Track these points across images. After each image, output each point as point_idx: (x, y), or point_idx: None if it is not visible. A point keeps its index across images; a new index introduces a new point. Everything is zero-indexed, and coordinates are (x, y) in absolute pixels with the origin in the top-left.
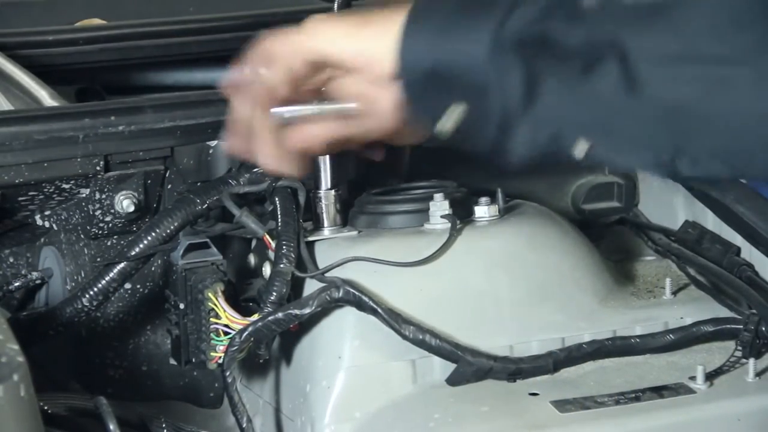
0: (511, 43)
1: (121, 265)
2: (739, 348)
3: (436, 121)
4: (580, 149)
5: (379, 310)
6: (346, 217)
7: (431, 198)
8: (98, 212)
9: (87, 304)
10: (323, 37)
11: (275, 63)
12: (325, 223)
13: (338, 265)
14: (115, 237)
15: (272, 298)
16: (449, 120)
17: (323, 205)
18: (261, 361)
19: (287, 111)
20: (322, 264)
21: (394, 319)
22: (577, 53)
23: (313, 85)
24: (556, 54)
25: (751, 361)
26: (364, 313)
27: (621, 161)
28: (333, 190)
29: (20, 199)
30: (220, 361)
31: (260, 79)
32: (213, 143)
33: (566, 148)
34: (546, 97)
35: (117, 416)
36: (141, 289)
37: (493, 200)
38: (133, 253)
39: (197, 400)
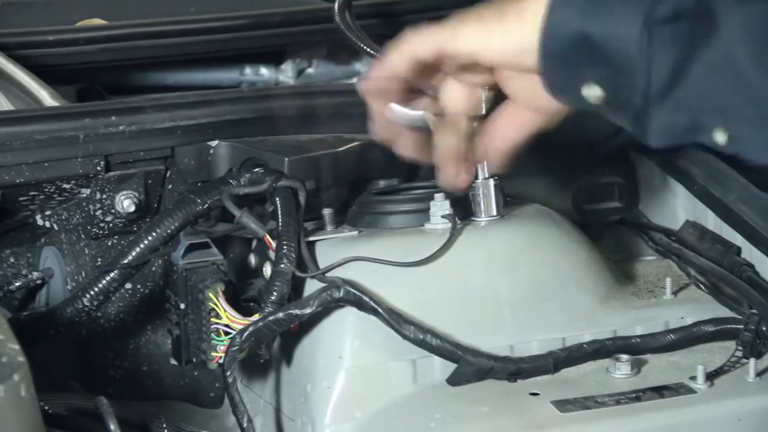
0: (665, 18)
1: None
2: (740, 348)
3: (576, 95)
4: (720, 137)
5: (380, 310)
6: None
7: (432, 198)
8: (99, 212)
9: (88, 304)
10: (466, 35)
11: (415, 59)
12: (482, 214)
13: (339, 265)
14: (116, 237)
15: (273, 298)
16: (590, 94)
17: (481, 194)
18: (261, 361)
19: (402, 113)
20: (322, 264)
21: (395, 319)
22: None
23: (473, 80)
24: (710, 30)
25: (752, 361)
26: (364, 313)
27: (763, 155)
28: (492, 179)
29: (21, 199)
30: (221, 361)
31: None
32: (213, 143)
33: (705, 134)
34: (693, 78)
35: (117, 416)
36: (141, 289)
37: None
38: (133, 253)
39: (198, 400)
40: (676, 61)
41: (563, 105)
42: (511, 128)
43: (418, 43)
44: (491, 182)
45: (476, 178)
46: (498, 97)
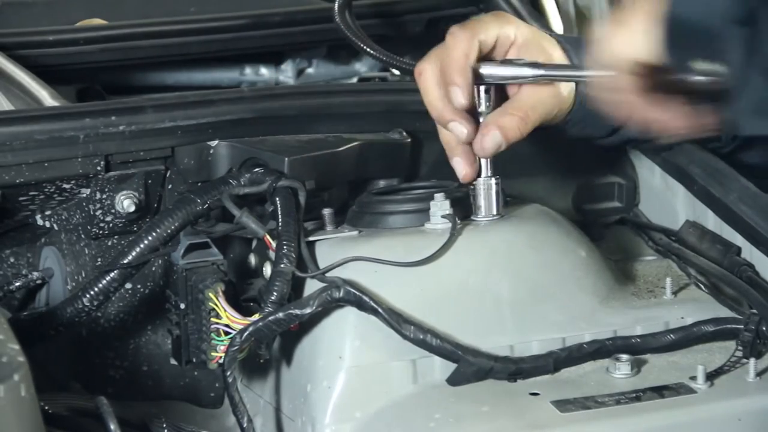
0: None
1: None
2: (740, 348)
3: (686, 64)
4: None
5: (380, 310)
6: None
7: (432, 198)
8: (99, 212)
9: (88, 304)
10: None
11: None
12: (482, 213)
13: (339, 265)
14: (116, 237)
15: (273, 298)
16: (704, 65)
17: (482, 194)
18: (261, 361)
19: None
20: (322, 264)
21: (395, 319)
22: None
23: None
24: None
25: (752, 361)
26: (364, 313)
27: None
28: (493, 178)
29: (21, 199)
30: (221, 361)
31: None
32: (213, 143)
33: None
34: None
35: (117, 416)
36: (141, 289)
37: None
38: (133, 254)
39: (198, 400)
40: (741, 64)
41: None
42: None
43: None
44: (492, 181)
45: (479, 175)
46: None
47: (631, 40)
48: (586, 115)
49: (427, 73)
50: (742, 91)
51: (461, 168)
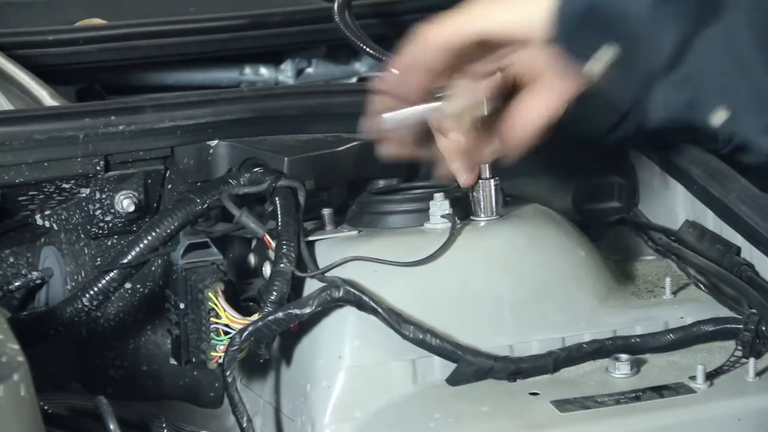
0: None
1: None
2: (740, 348)
3: (584, 63)
4: (718, 117)
5: (380, 310)
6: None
7: (431, 198)
8: (98, 212)
9: (87, 303)
10: (479, 15)
11: (436, 47)
12: (482, 214)
13: (338, 265)
14: (116, 237)
15: (272, 297)
16: (598, 63)
17: (481, 194)
18: (261, 360)
19: (391, 117)
20: (322, 264)
21: (395, 319)
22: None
23: (484, 69)
24: (717, 11)
25: (751, 360)
26: (364, 312)
27: (759, 140)
28: (492, 179)
29: (20, 198)
30: (221, 360)
31: (422, 66)
32: (213, 143)
33: (703, 114)
34: (696, 56)
35: (117, 416)
36: (141, 289)
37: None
38: (133, 253)
39: (197, 400)
40: (682, 37)
41: (573, 80)
42: (530, 114)
43: (436, 32)
44: (492, 182)
45: (479, 177)
46: (500, 98)
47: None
48: (582, 114)
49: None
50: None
51: (462, 174)
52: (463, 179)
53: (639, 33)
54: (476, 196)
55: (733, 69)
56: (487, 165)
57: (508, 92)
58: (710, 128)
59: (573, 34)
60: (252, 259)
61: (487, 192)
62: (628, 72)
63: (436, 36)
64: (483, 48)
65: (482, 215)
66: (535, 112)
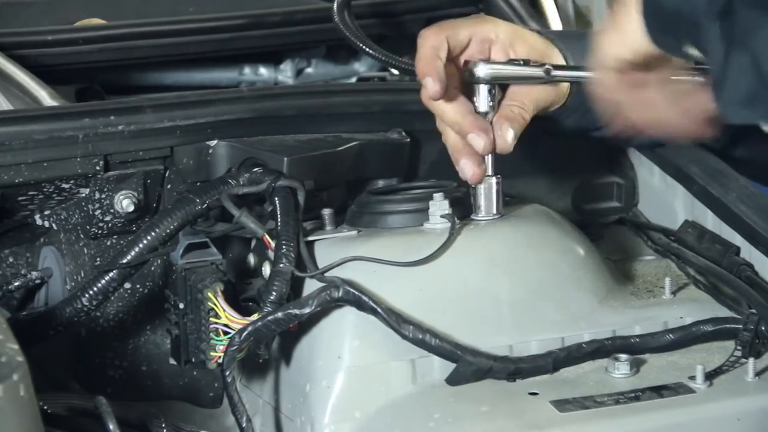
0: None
1: None
2: (739, 348)
3: (680, 50)
4: None
5: (379, 310)
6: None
7: (431, 197)
8: (98, 212)
9: (87, 303)
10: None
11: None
12: (482, 212)
13: (338, 265)
14: (115, 237)
15: (272, 297)
16: (692, 51)
17: (482, 193)
18: (261, 360)
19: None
20: (321, 264)
21: (394, 319)
22: None
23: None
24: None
25: (751, 360)
26: (363, 312)
27: None
28: (494, 178)
29: (20, 198)
30: (220, 360)
31: None
32: (212, 143)
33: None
34: (735, 73)
35: (117, 416)
36: (141, 289)
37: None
38: (132, 253)
39: (197, 400)
40: (721, 60)
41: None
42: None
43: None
44: (493, 180)
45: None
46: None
47: (621, 37)
48: (583, 104)
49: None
50: (724, 83)
51: (469, 169)
52: (470, 175)
53: (701, 42)
54: (477, 194)
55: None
56: (489, 163)
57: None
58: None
59: (663, 28)
60: (251, 259)
61: (489, 189)
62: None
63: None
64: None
65: (483, 213)
66: (511, 122)
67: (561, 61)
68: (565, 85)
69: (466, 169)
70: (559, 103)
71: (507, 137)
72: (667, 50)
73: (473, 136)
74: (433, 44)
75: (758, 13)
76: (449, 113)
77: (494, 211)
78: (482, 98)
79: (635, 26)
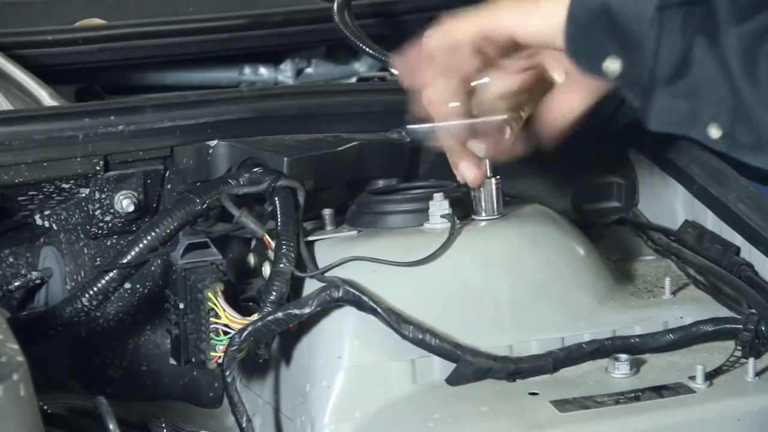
0: (678, 2)
1: None
2: (739, 348)
3: (597, 68)
4: (714, 132)
5: (379, 310)
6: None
7: (431, 197)
8: (98, 212)
9: (87, 303)
10: (503, 18)
11: (458, 45)
12: (483, 212)
13: (338, 265)
14: (115, 237)
15: (272, 297)
16: (609, 68)
17: (482, 194)
18: (261, 360)
19: (421, 128)
20: (321, 264)
21: (394, 319)
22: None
23: (517, 65)
24: (713, 31)
25: (751, 360)
26: (363, 312)
27: (750, 158)
28: (493, 179)
29: (20, 198)
30: (220, 360)
31: (445, 64)
32: (212, 143)
33: (701, 127)
34: (695, 69)
35: (117, 416)
36: (141, 289)
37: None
38: (132, 253)
39: (197, 400)
40: (683, 49)
41: (590, 79)
42: (562, 108)
43: (457, 26)
44: (493, 181)
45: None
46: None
47: (530, 17)
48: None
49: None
50: (679, 79)
51: (469, 172)
52: (470, 178)
53: (643, 40)
54: (477, 195)
55: (726, 85)
56: (488, 164)
57: (542, 86)
58: (708, 142)
59: (585, 40)
60: (251, 259)
61: (489, 190)
62: (635, 77)
63: (459, 31)
64: (513, 46)
65: (483, 214)
66: (566, 105)
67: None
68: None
69: (466, 172)
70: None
71: (473, 179)
72: (584, 62)
73: (474, 142)
74: (445, 97)
75: (730, 10)
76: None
77: (495, 212)
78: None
79: (553, 19)
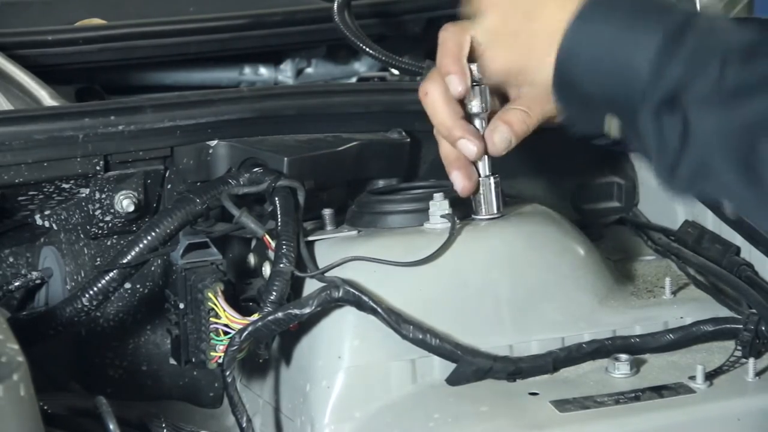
0: (660, 103)
1: None
2: (739, 348)
3: (597, 128)
4: (729, 208)
5: (379, 310)
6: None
7: (431, 197)
8: (98, 212)
9: (87, 303)
10: (500, 64)
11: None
12: (483, 212)
13: (338, 265)
14: (115, 237)
15: (272, 297)
16: (611, 126)
17: (481, 192)
18: (261, 360)
19: None
20: (321, 264)
21: (394, 319)
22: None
23: None
24: (686, 130)
25: (751, 360)
26: (363, 312)
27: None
28: (492, 177)
29: (20, 198)
30: (220, 360)
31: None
32: (212, 143)
33: (720, 202)
34: (686, 166)
35: (117, 416)
36: (141, 289)
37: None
38: (132, 253)
39: (197, 400)
40: (673, 151)
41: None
42: (504, 128)
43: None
44: (491, 180)
45: (478, 176)
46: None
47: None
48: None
49: (433, 92)
50: (677, 169)
51: (460, 181)
52: (460, 188)
53: (640, 137)
54: (477, 194)
55: (714, 182)
56: (487, 162)
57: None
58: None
59: (581, 113)
60: (252, 259)
61: (488, 189)
62: (637, 140)
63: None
64: None
65: (483, 212)
66: (510, 126)
67: None
68: None
69: (457, 181)
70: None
71: (496, 140)
72: (580, 125)
73: (463, 142)
74: (458, 41)
75: (707, 106)
76: (440, 114)
77: (494, 211)
78: (476, 100)
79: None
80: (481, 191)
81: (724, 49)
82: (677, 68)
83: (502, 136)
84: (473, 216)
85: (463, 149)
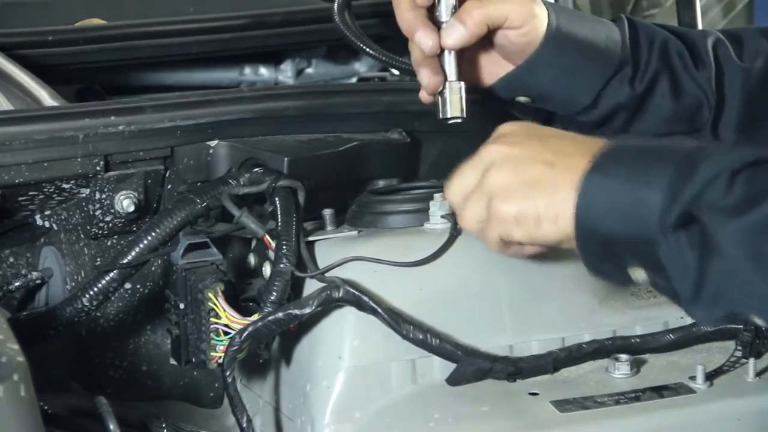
0: (675, 225)
1: None
2: (739, 348)
3: (625, 276)
4: (760, 321)
5: (379, 310)
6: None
7: (431, 198)
8: (98, 212)
9: (87, 304)
10: (515, 206)
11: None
12: (447, 113)
13: (338, 265)
14: (115, 237)
15: (272, 297)
16: (637, 275)
17: (447, 95)
18: (261, 360)
19: None
20: (322, 264)
21: (394, 319)
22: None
23: None
24: (710, 244)
25: (751, 361)
26: (364, 312)
27: None
28: (459, 82)
29: (20, 198)
30: (220, 360)
31: None
32: (213, 143)
33: (745, 318)
34: (712, 283)
35: (117, 416)
36: (141, 289)
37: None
38: (132, 254)
39: (197, 400)
40: (695, 269)
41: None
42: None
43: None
44: (457, 85)
45: (445, 79)
46: None
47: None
48: (560, 75)
49: None
50: (702, 290)
51: (425, 77)
52: (426, 81)
53: (658, 263)
54: (443, 98)
55: (747, 291)
56: (454, 69)
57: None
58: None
59: (599, 268)
60: (252, 259)
61: (452, 92)
62: (662, 288)
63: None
64: None
65: (448, 113)
66: (463, 23)
67: (544, 16)
68: (535, 15)
69: (423, 78)
70: (520, 26)
71: (449, 34)
72: (605, 276)
73: (420, 35)
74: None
75: (723, 216)
76: (402, 11)
77: (457, 113)
78: (442, 9)
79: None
80: (447, 94)
81: (733, 162)
82: (690, 190)
83: (453, 28)
84: (438, 118)
85: (419, 43)
